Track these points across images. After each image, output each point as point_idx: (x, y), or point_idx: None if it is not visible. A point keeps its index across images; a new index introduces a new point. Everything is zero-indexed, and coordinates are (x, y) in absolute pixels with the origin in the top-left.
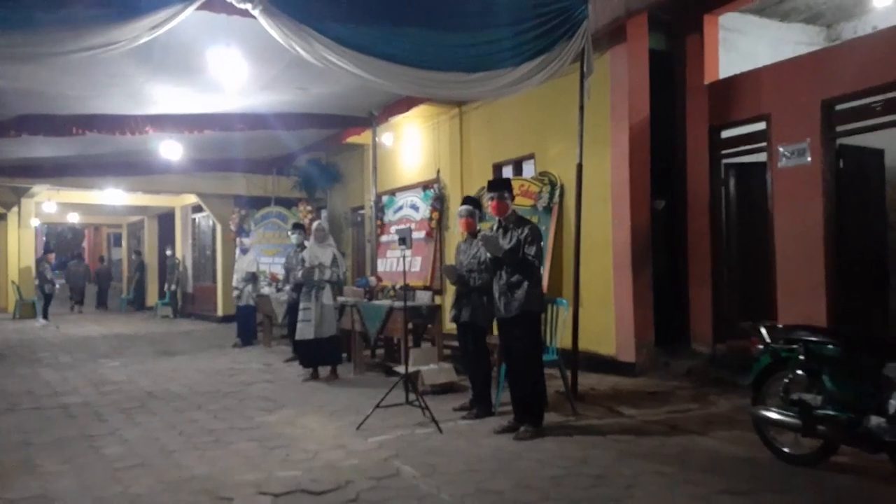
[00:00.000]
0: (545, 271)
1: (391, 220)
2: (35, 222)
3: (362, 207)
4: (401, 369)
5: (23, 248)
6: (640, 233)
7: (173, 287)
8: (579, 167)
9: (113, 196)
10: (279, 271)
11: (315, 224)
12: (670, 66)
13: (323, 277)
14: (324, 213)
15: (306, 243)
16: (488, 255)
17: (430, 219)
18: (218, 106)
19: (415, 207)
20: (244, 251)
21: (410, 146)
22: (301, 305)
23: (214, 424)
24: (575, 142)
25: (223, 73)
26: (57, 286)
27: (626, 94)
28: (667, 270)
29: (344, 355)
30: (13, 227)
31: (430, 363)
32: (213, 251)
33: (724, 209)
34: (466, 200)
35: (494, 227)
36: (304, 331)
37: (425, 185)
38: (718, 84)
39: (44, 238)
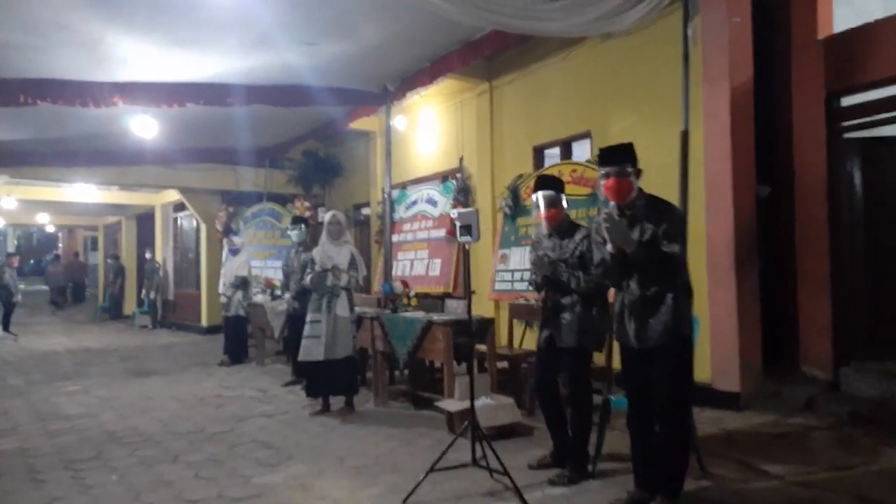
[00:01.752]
0: None
1: (403, 216)
2: None
3: (366, 204)
4: (448, 405)
5: None
6: (745, 226)
7: (152, 294)
8: (684, 135)
9: (85, 193)
10: (274, 276)
11: (329, 216)
12: (768, 18)
13: (339, 283)
14: (322, 211)
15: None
16: (608, 249)
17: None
18: (202, 70)
19: (432, 202)
20: (234, 252)
21: (427, 131)
22: (308, 317)
23: (196, 490)
24: (649, 112)
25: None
26: (18, 297)
27: (726, 48)
28: (767, 273)
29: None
30: None
31: (483, 396)
32: (197, 254)
33: (847, 196)
34: (546, 182)
35: (612, 213)
36: (312, 350)
37: (445, 176)
38: (836, 39)
39: (15, 241)
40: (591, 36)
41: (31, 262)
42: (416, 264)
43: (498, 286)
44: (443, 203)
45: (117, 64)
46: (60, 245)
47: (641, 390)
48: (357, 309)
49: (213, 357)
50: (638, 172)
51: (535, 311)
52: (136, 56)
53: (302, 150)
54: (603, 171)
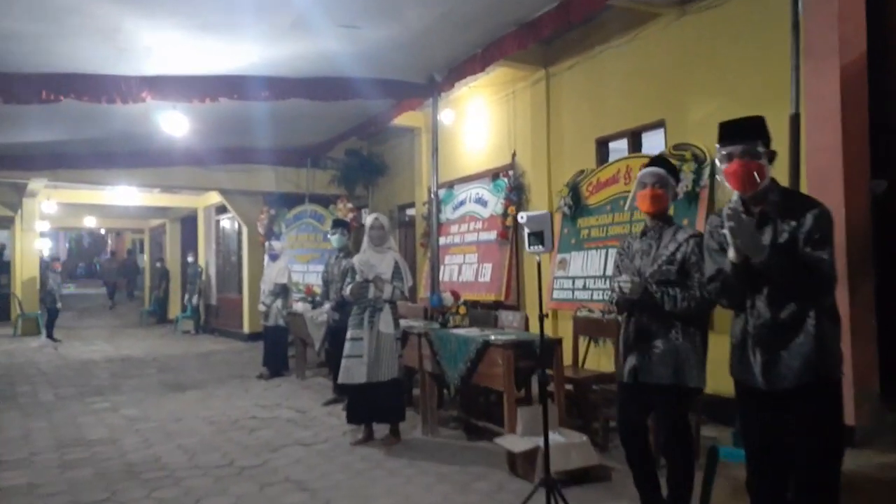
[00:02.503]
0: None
1: (450, 218)
2: (42, 226)
3: (411, 205)
4: (509, 443)
5: (25, 256)
6: (858, 228)
7: (195, 299)
8: (794, 120)
9: (126, 195)
10: (315, 282)
11: (371, 219)
12: None
13: (382, 296)
14: (364, 214)
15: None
16: (729, 257)
17: (505, 214)
18: (234, 61)
19: (481, 201)
20: (273, 257)
21: (476, 125)
22: (349, 334)
23: None
24: (738, 96)
25: None
26: (59, 304)
27: (835, 19)
28: (885, 284)
29: None
30: (19, 232)
31: (551, 432)
32: (239, 257)
33: None
34: (658, 160)
35: (737, 208)
36: (354, 372)
37: (496, 174)
38: None
39: (66, 244)
40: (666, 12)
41: (82, 264)
42: (465, 269)
43: (556, 294)
44: (493, 203)
45: (141, 54)
46: (109, 247)
47: (769, 447)
48: (402, 322)
49: (253, 368)
50: (771, 155)
51: (605, 325)
52: (159, 44)
53: (344, 148)
54: (724, 152)
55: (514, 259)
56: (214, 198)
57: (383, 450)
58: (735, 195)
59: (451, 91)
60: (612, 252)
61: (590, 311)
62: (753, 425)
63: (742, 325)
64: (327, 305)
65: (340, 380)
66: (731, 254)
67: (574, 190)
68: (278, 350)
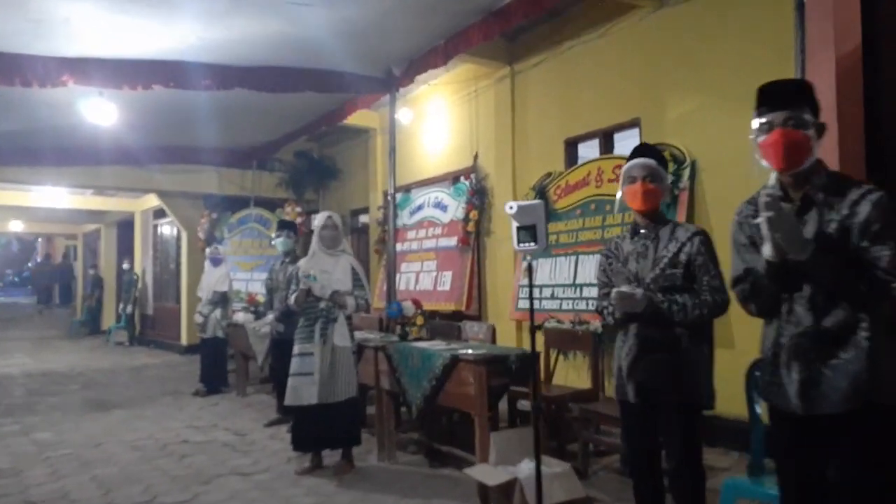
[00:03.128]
0: None
1: (406, 223)
2: None
3: (365, 210)
4: (482, 474)
5: None
6: None
7: (129, 308)
8: None
9: (56, 197)
10: (259, 291)
11: (322, 217)
12: None
13: (345, 311)
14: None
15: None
16: (765, 254)
17: (466, 220)
18: (168, 42)
19: (441, 206)
20: (216, 262)
21: (435, 126)
22: (296, 349)
23: None
24: (723, 91)
25: None
26: None
27: (830, 8)
28: None
29: None
30: None
31: (527, 459)
32: (178, 264)
33: None
34: (644, 150)
35: (775, 194)
36: (303, 392)
37: (456, 177)
38: None
39: None
40: (642, 4)
41: (10, 271)
42: (423, 277)
43: (522, 304)
44: (454, 207)
45: (59, 28)
46: (39, 253)
47: (807, 486)
48: (358, 335)
49: (189, 383)
50: (821, 127)
51: (578, 337)
52: (80, 18)
53: (293, 150)
54: (763, 121)
55: (475, 266)
56: (152, 201)
57: (334, 480)
58: (772, 177)
59: (409, 89)
60: (584, 259)
61: (558, 321)
62: (789, 459)
63: (775, 336)
64: (270, 316)
65: (288, 401)
66: (767, 250)
67: (541, 193)
68: (216, 364)
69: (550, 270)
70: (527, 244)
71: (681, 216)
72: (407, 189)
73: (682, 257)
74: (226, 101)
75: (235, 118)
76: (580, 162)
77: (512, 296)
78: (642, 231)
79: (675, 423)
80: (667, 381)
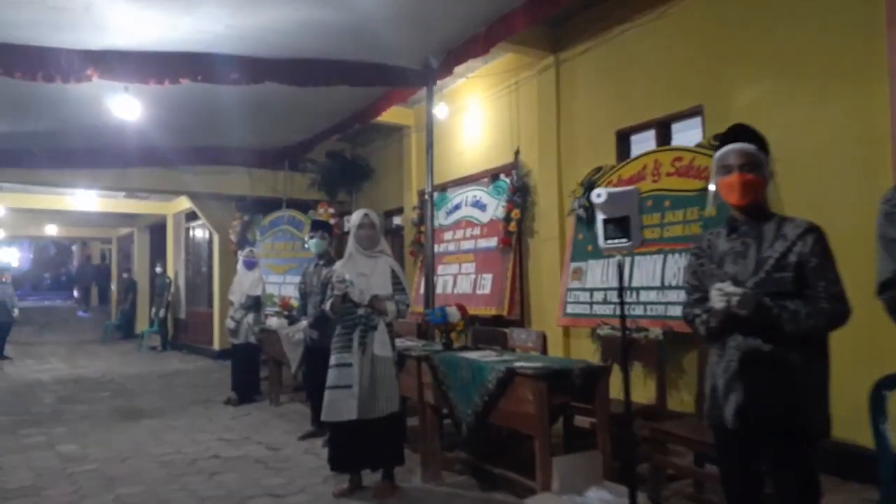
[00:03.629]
0: None
1: (443, 223)
2: None
3: (399, 211)
4: (543, 503)
5: None
6: None
7: (162, 312)
8: None
9: (88, 201)
10: (292, 294)
11: (358, 216)
12: None
13: (385, 318)
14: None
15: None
16: None
17: (507, 219)
18: (195, 32)
19: (479, 205)
20: (250, 265)
21: (473, 121)
22: (333, 359)
23: None
24: (796, 76)
25: None
26: (16, 311)
27: None
28: None
29: None
30: None
31: (594, 487)
32: (210, 268)
33: None
34: (741, 131)
35: None
36: (341, 406)
37: (496, 174)
38: None
39: (30, 255)
40: None
41: (47, 275)
42: (461, 280)
43: (570, 309)
44: (493, 206)
45: (81, 17)
46: (76, 258)
47: None
48: (400, 343)
49: (221, 391)
50: None
51: (642, 346)
52: (102, 5)
53: (325, 150)
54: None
55: (517, 269)
56: (184, 204)
57: (375, 503)
58: None
59: (446, 82)
60: (640, 260)
61: (612, 328)
62: None
63: None
64: (304, 322)
65: (325, 417)
66: None
67: (591, 189)
68: (249, 372)
69: (602, 273)
70: (617, 241)
71: None
72: (443, 188)
73: (792, 258)
74: (256, 98)
75: (266, 116)
76: (634, 155)
77: (559, 300)
78: (742, 228)
79: (786, 454)
80: (775, 403)
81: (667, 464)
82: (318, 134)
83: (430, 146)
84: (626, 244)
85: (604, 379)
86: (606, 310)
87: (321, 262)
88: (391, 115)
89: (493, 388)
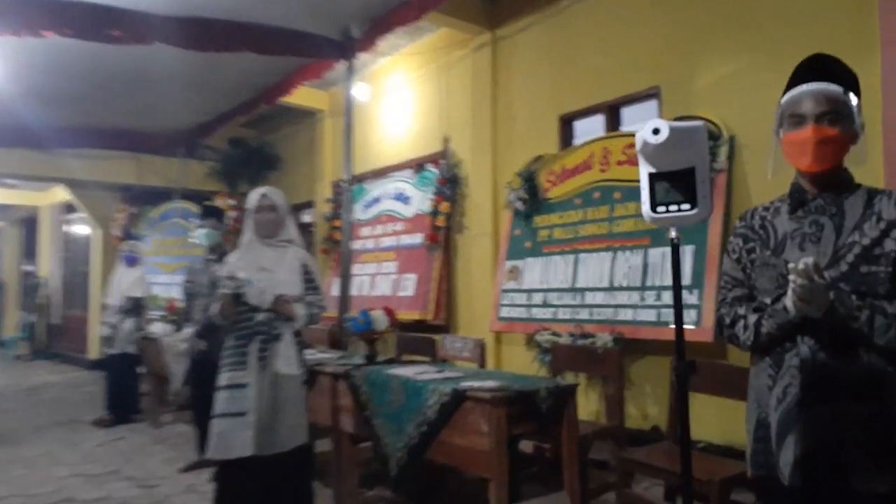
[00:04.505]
0: (708, 294)
1: (360, 218)
2: None
3: (309, 205)
4: None
5: None
6: None
7: (32, 317)
8: None
9: None
10: (179, 297)
11: (256, 197)
12: None
13: (294, 323)
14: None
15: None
16: None
17: (436, 213)
18: None
19: (402, 198)
20: (130, 261)
21: (397, 105)
22: (224, 379)
23: None
24: (771, 53)
25: None
26: None
27: None
28: None
29: None
30: None
31: None
32: (89, 266)
33: None
34: (819, 67)
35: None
36: (233, 440)
37: (421, 164)
38: None
39: None
40: None
41: None
42: (380, 281)
43: (505, 312)
44: (419, 199)
45: None
46: None
47: None
48: (310, 355)
49: (92, 409)
50: None
51: (601, 357)
52: None
53: (227, 137)
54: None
55: (445, 268)
56: (61, 195)
57: None
58: None
59: (367, 61)
60: (586, 258)
61: (554, 334)
62: None
63: None
64: (190, 330)
65: (212, 454)
66: None
67: (529, 180)
68: (125, 387)
69: (542, 272)
70: (673, 207)
71: (716, 206)
72: (360, 179)
73: (891, 247)
74: (147, 68)
75: (159, 92)
76: (576, 141)
77: (493, 302)
78: (814, 202)
79: None
80: (861, 450)
81: (636, 499)
82: (220, 116)
83: (348, 129)
84: (691, 213)
85: (572, 400)
86: (546, 313)
87: (213, 258)
88: (303, 97)
89: (434, 415)
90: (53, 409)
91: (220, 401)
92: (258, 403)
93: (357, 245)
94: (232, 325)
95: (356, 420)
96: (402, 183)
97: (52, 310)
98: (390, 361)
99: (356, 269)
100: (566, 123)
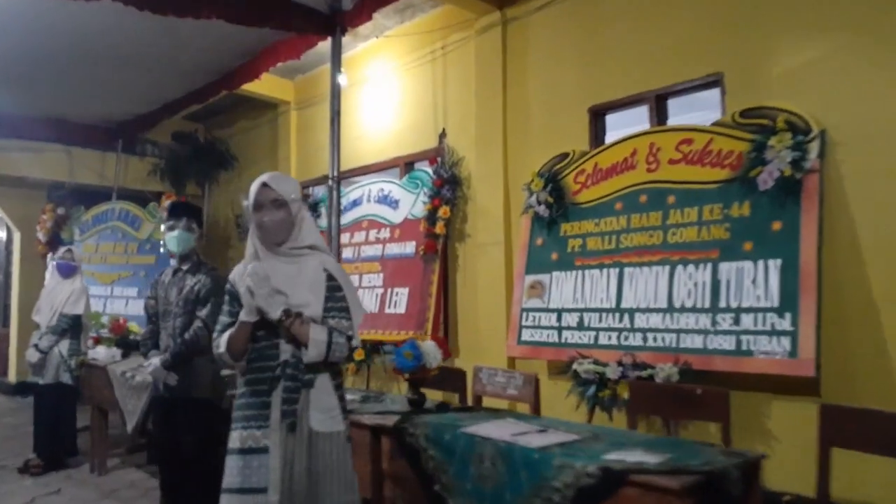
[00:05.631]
0: (804, 318)
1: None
2: None
3: None
4: None
5: None
6: None
7: None
8: None
9: None
10: (124, 313)
11: (255, 188)
12: None
13: (313, 355)
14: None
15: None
16: None
17: (433, 219)
18: None
19: (388, 201)
20: (66, 271)
21: (381, 96)
22: (235, 436)
23: None
24: (870, 32)
25: None
26: None
27: None
28: None
29: None
30: None
31: None
32: (7, 276)
33: None
34: None
35: None
36: None
37: (409, 162)
38: None
39: None
40: None
41: None
42: (363, 295)
43: (528, 335)
44: (409, 202)
45: None
46: None
47: None
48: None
49: (16, 450)
50: None
51: (699, 400)
52: None
53: (169, 132)
54: None
55: (443, 280)
56: None
57: None
58: None
59: (346, 45)
60: (633, 272)
61: (597, 362)
62: None
63: None
64: (156, 359)
65: None
66: None
67: (553, 182)
68: (60, 424)
69: (575, 289)
70: None
71: (809, 211)
72: (335, 180)
73: None
74: (87, 44)
75: (98, 74)
76: (608, 138)
77: (510, 323)
78: None
79: None
80: None
81: None
82: (167, 105)
83: (336, 118)
84: None
85: (757, 476)
86: (583, 337)
87: (184, 268)
88: (266, 86)
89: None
90: None
91: (231, 470)
92: (286, 475)
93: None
94: (250, 365)
95: (416, 497)
96: (386, 184)
97: None
98: (462, 411)
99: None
100: (597, 116)
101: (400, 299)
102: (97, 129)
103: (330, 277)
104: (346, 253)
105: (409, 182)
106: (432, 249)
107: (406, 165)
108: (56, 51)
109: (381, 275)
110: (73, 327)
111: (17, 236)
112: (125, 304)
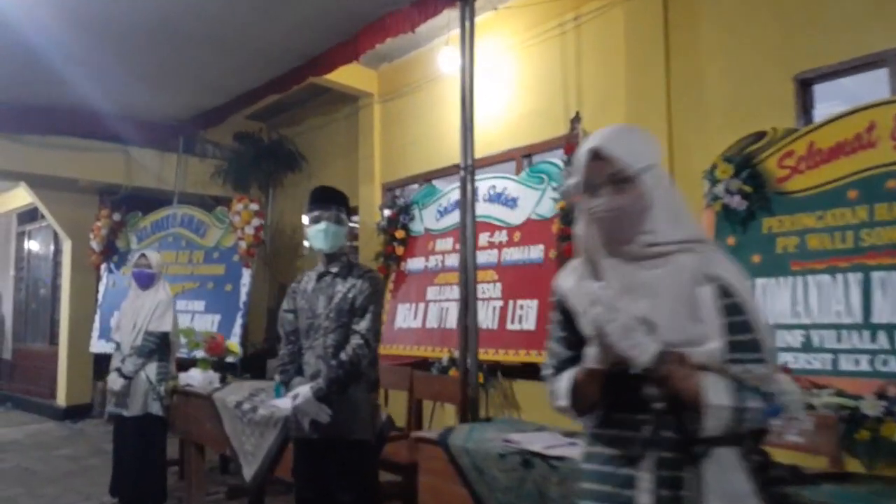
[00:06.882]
0: None
1: (431, 229)
2: None
3: (354, 212)
4: None
5: None
6: None
7: None
8: None
9: None
10: (212, 329)
11: (582, 154)
12: None
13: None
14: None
15: None
16: None
17: (567, 217)
18: None
19: (503, 200)
20: (145, 280)
21: (491, 79)
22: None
23: None
24: None
25: None
26: None
27: None
28: None
29: None
30: None
31: None
32: (55, 289)
33: None
34: None
35: None
36: None
37: (529, 154)
38: None
39: None
40: None
41: None
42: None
43: None
44: (530, 200)
45: None
46: None
47: None
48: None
49: (82, 488)
50: None
51: None
52: None
53: (232, 131)
54: None
55: None
56: (17, 198)
57: None
58: None
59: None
60: (882, 277)
61: (841, 393)
62: None
63: None
64: (305, 387)
65: None
66: None
67: (747, 167)
68: (149, 464)
69: (794, 299)
70: None
71: None
72: (427, 178)
73: None
74: (168, 22)
75: (174, 59)
76: (820, 114)
77: None
78: None
79: None
80: None
81: None
82: (240, 97)
83: (469, 93)
84: None
85: None
86: (812, 361)
87: (333, 270)
88: (346, 75)
89: None
90: (13, 486)
91: None
92: None
93: (430, 263)
94: (601, 417)
95: None
96: (499, 180)
97: (1, 342)
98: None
99: (429, 293)
100: (804, 86)
101: (527, 313)
102: (157, 127)
103: (725, 291)
104: (449, 260)
105: (530, 177)
106: (568, 253)
107: (523, 158)
108: (137, 31)
109: (499, 284)
110: (160, 347)
111: (66, 245)
112: (190, 319)
